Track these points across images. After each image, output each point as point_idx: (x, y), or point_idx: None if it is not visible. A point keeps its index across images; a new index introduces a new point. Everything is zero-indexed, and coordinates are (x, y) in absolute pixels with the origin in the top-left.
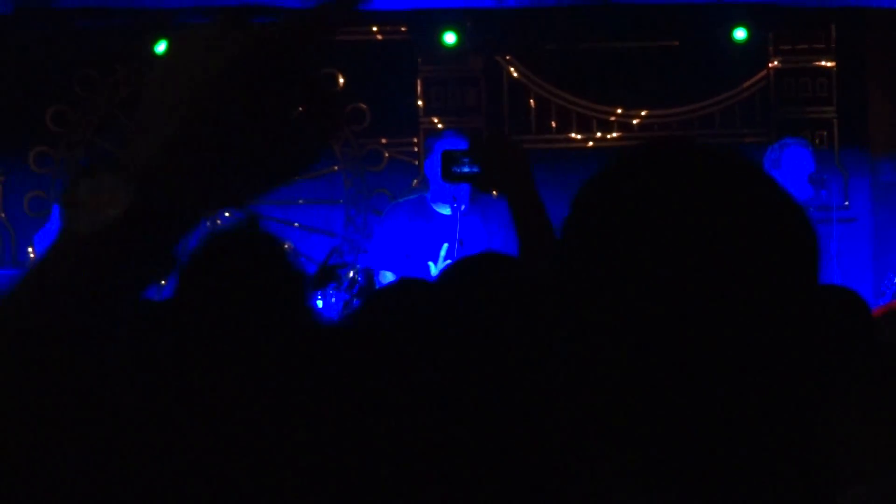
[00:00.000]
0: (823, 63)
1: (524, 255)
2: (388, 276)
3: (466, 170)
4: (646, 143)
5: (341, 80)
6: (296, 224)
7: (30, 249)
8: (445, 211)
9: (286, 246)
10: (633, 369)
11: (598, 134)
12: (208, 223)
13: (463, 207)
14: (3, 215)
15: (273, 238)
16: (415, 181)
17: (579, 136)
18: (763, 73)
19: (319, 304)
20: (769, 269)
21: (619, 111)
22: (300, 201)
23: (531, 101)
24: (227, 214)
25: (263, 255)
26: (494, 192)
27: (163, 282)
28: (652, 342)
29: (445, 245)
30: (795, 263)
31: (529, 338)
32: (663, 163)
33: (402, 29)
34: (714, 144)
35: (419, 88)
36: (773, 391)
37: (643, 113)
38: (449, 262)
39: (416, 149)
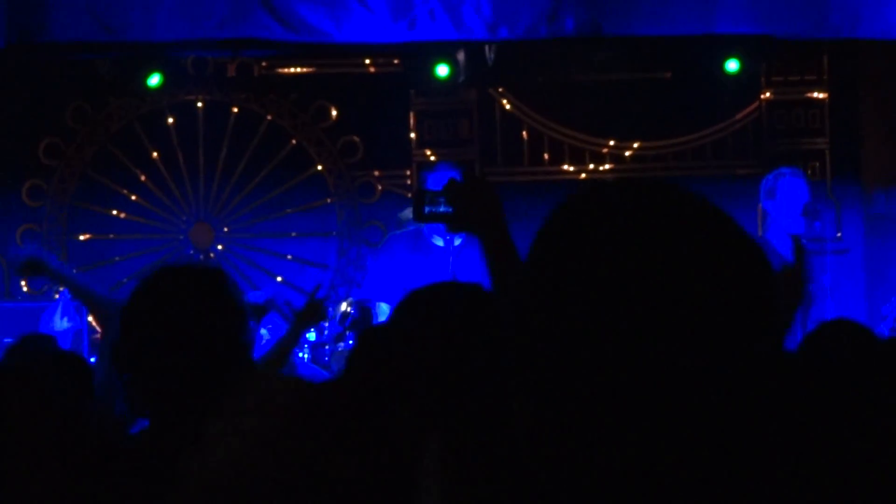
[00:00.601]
0: (816, 94)
1: (495, 296)
2: (384, 309)
3: (441, 210)
4: (613, 180)
5: (334, 113)
6: (289, 256)
7: (23, 283)
8: (440, 242)
9: (228, 279)
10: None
11: (591, 166)
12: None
13: (459, 241)
14: None
15: (217, 272)
16: (401, 216)
17: (572, 168)
18: (755, 104)
19: (265, 333)
20: (723, 305)
21: (612, 143)
22: (293, 234)
23: (524, 133)
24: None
25: (203, 290)
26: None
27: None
28: (605, 375)
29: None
30: (750, 299)
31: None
32: (624, 200)
33: (395, 62)
34: (674, 181)
35: (412, 121)
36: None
37: (636, 145)
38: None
39: (408, 181)
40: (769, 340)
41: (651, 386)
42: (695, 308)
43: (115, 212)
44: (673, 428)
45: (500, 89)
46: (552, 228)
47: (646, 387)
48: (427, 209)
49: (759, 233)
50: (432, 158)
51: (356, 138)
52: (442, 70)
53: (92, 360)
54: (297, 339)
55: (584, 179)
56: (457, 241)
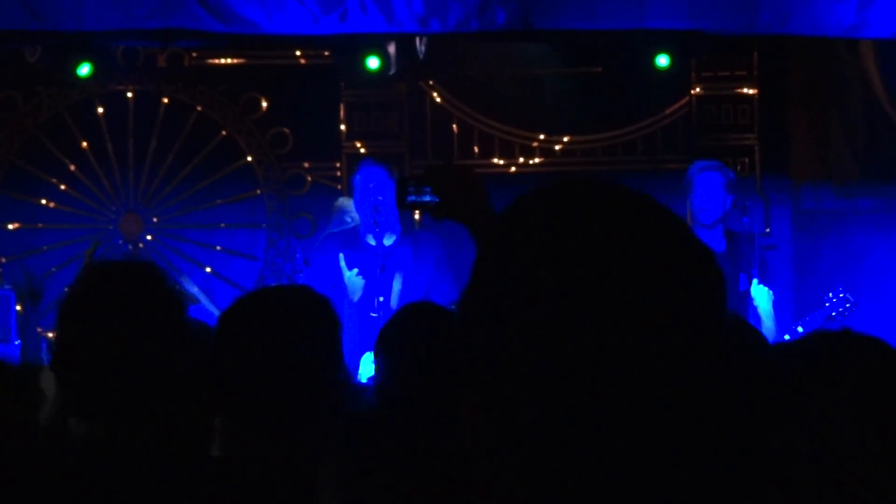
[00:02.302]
0: (745, 90)
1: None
2: None
3: (427, 199)
4: (549, 184)
5: (264, 105)
6: (218, 248)
7: None
8: (373, 241)
9: (163, 272)
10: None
11: (521, 159)
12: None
13: (391, 241)
14: None
15: (151, 265)
16: (335, 203)
17: (502, 162)
18: (685, 99)
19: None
20: (668, 298)
21: (542, 137)
22: (222, 225)
23: (454, 126)
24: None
25: (141, 282)
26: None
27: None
28: (550, 374)
29: (399, 274)
30: (695, 293)
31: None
32: (564, 201)
33: (326, 53)
34: (604, 175)
35: (342, 113)
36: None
37: (565, 139)
38: (362, 280)
39: (338, 173)
40: (714, 337)
41: (596, 379)
42: (639, 303)
43: (43, 201)
44: (620, 417)
45: (431, 82)
46: (503, 227)
47: (592, 380)
48: (411, 198)
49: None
50: (362, 150)
51: (286, 130)
52: (372, 62)
53: None
54: None
55: (515, 173)
56: (388, 241)
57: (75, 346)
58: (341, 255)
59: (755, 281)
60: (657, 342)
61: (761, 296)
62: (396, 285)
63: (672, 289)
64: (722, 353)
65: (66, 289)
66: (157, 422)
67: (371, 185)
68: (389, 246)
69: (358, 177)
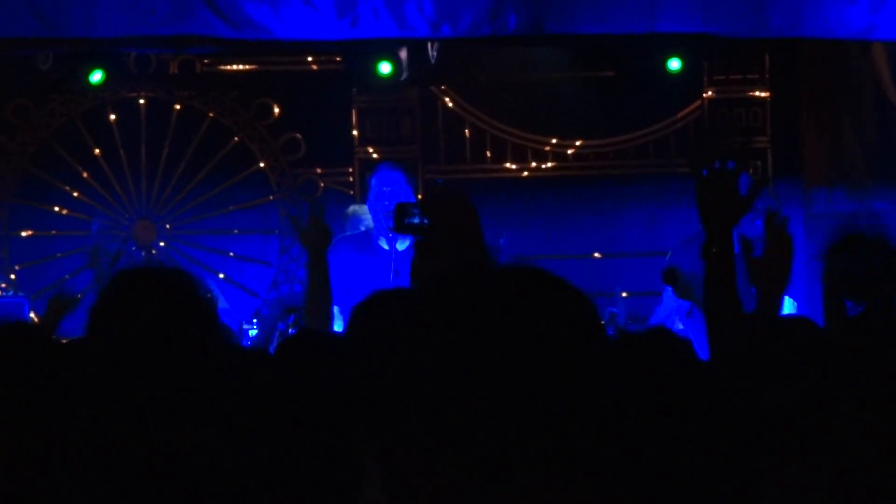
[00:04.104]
0: (757, 93)
1: None
2: (334, 311)
3: (416, 221)
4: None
5: (277, 111)
6: (231, 253)
7: None
8: (396, 245)
9: (193, 277)
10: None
11: (533, 164)
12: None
13: (407, 243)
14: None
15: (179, 270)
16: (348, 210)
17: (514, 166)
18: (697, 103)
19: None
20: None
21: (554, 141)
22: (235, 231)
23: (466, 130)
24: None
25: (171, 286)
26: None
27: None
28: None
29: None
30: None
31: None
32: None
33: (337, 59)
34: (617, 179)
35: (354, 118)
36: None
37: (578, 143)
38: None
39: (351, 178)
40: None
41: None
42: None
43: (57, 208)
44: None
45: (443, 87)
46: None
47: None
48: (406, 220)
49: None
50: (374, 156)
51: (298, 135)
52: (384, 68)
53: None
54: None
55: (527, 178)
56: (401, 246)
57: (107, 351)
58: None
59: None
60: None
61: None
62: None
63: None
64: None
65: (97, 294)
66: (188, 424)
67: (387, 189)
68: (403, 250)
69: (374, 179)
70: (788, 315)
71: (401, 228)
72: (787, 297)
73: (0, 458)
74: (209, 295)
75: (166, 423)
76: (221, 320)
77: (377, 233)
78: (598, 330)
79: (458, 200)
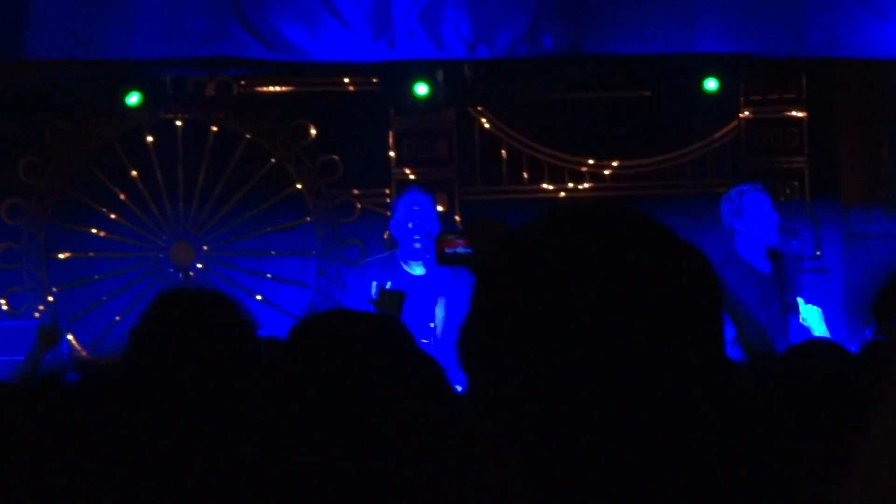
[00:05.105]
0: (794, 113)
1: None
2: None
3: (460, 251)
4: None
5: (313, 132)
6: (268, 275)
7: (2, 301)
8: (415, 270)
9: (233, 299)
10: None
11: (570, 184)
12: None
13: (422, 270)
14: None
15: (220, 293)
16: (386, 233)
17: (551, 187)
18: (734, 123)
19: None
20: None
21: (591, 162)
22: (272, 252)
23: (503, 152)
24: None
25: (212, 308)
26: None
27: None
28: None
29: (442, 299)
30: (695, 310)
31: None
32: (569, 225)
33: (374, 80)
34: (653, 200)
35: (391, 140)
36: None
37: (615, 163)
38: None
39: (388, 199)
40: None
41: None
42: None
43: (94, 230)
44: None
45: (480, 108)
46: (508, 250)
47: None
48: (448, 250)
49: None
50: (411, 177)
51: (335, 157)
52: (421, 89)
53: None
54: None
55: (564, 199)
56: (419, 271)
57: (148, 373)
58: (374, 283)
59: (801, 301)
60: (649, 350)
61: (812, 316)
62: (439, 311)
63: (665, 299)
64: (720, 361)
65: (138, 316)
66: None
67: (416, 209)
68: (429, 273)
69: (402, 201)
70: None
71: (444, 259)
72: (811, 306)
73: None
74: (249, 317)
75: (206, 445)
76: (261, 342)
77: (403, 255)
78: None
79: (500, 227)
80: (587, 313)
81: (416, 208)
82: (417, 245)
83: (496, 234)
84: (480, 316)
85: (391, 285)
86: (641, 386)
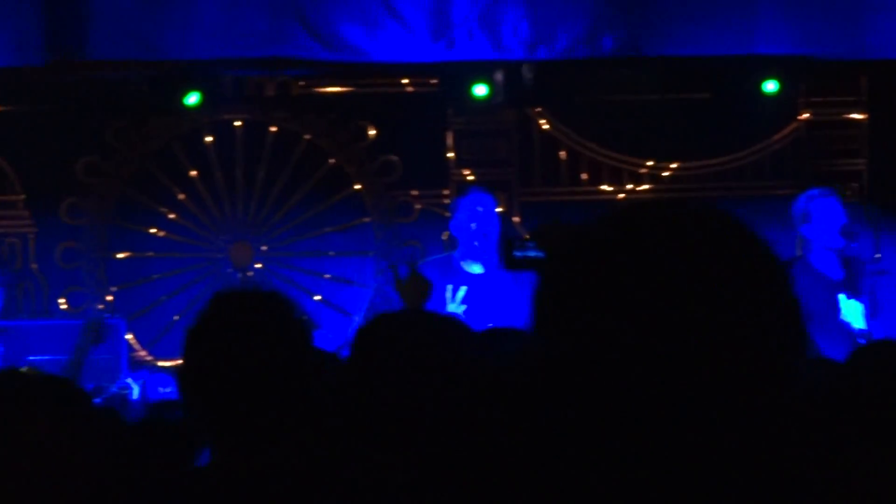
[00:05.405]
0: (854, 115)
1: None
2: None
3: (531, 254)
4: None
5: (372, 133)
6: (327, 275)
7: (61, 300)
8: (474, 269)
9: (288, 299)
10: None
11: (629, 186)
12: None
13: (492, 265)
14: (35, 266)
15: (274, 293)
16: (445, 234)
17: (610, 189)
18: (794, 125)
19: None
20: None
21: (650, 163)
22: (331, 253)
23: (562, 153)
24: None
25: (265, 309)
26: None
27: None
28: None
29: (463, 288)
30: (771, 314)
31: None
32: (643, 222)
33: (433, 81)
34: (713, 202)
35: (450, 140)
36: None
37: (674, 165)
38: (465, 307)
39: (446, 200)
40: (791, 354)
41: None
42: (716, 319)
43: (153, 230)
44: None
45: (538, 109)
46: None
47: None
48: (517, 254)
49: (798, 253)
50: (470, 178)
51: (394, 157)
52: (480, 90)
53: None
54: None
55: (623, 200)
56: (477, 269)
57: (203, 374)
58: (449, 287)
59: (843, 297)
60: (729, 351)
61: (854, 311)
62: (497, 312)
63: (742, 298)
64: (796, 369)
65: (195, 316)
66: (283, 449)
67: (480, 209)
68: (487, 273)
69: (465, 201)
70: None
71: (513, 264)
72: (853, 301)
73: None
74: (304, 318)
75: (259, 444)
76: (315, 344)
77: (462, 255)
78: None
79: (569, 230)
80: (664, 313)
81: (479, 209)
82: (476, 244)
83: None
84: (553, 316)
85: (417, 270)
86: (719, 384)
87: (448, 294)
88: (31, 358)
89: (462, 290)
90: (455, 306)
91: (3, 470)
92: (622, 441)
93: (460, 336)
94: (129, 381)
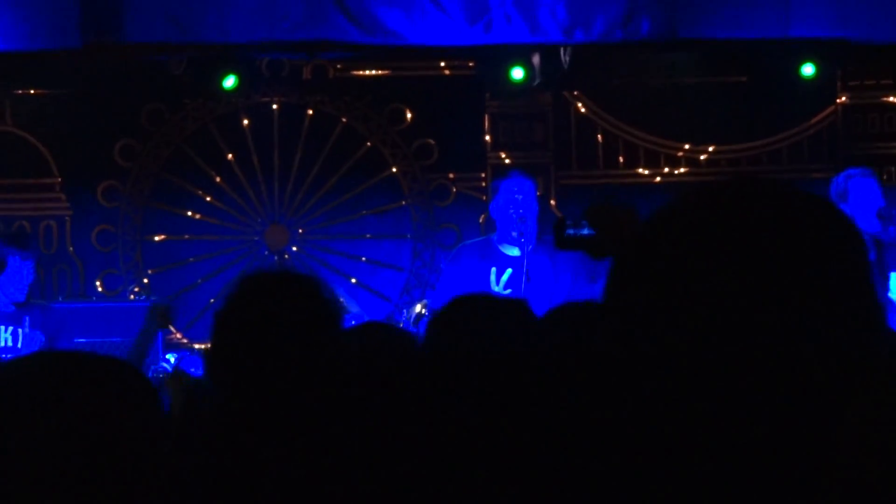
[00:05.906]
0: (892, 98)
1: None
2: None
3: (585, 233)
4: (711, 182)
5: (409, 116)
6: (363, 258)
7: (98, 283)
8: (512, 252)
9: (319, 282)
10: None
11: (666, 169)
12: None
13: (530, 247)
14: (71, 248)
15: (308, 276)
16: (482, 217)
17: (647, 172)
18: (831, 108)
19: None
20: (829, 299)
21: (687, 146)
22: (367, 236)
23: (599, 136)
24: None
25: (295, 290)
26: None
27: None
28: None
29: (509, 270)
30: (855, 292)
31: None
32: (729, 198)
33: (470, 64)
34: (780, 180)
35: (487, 124)
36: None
37: (710, 148)
38: (510, 290)
39: (483, 184)
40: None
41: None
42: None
43: (189, 213)
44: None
45: (576, 92)
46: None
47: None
48: (570, 232)
49: None
50: (507, 161)
51: (431, 141)
52: (517, 73)
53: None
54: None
55: (660, 183)
56: (516, 252)
57: (233, 356)
58: (493, 270)
59: (894, 275)
60: (807, 332)
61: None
62: (538, 295)
63: (822, 278)
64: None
65: (222, 299)
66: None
67: (519, 197)
68: (523, 255)
69: (505, 184)
70: None
71: (564, 243)
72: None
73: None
74: (336, 299)
75: (289, 428)
76: (346, 325)
77: (501, 239)
78: None
79: (626, 209)
80: (762, 292)
81: (518, 196)
82: (514, 234)
83: (620, 219)
84: (626, 298)
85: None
86: (816, 363)
87: (492, 277)
88: (78, 340)
89: (507, 273)
90: (500, 289)
91: (63, 454)
92: (718, 421)
93: (527, 319)
94: (170, 360)
